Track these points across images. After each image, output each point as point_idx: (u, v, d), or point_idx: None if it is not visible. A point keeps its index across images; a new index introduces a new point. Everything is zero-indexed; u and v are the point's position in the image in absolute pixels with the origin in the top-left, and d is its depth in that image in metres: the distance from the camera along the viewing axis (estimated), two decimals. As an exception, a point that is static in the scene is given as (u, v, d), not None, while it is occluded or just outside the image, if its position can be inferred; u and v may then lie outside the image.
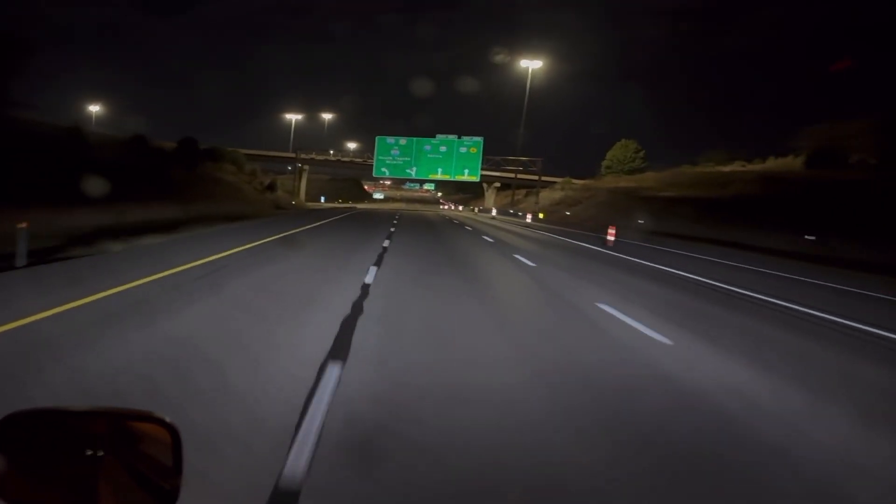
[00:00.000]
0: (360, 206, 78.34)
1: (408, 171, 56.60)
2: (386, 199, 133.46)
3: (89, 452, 0.89)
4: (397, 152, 56.20)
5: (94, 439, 0.89)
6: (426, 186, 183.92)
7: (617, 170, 66.89)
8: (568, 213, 41.63)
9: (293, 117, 74.51)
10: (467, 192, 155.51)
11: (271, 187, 52.58)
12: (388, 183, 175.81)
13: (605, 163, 69.44)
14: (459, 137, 55.05)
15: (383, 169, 57.17)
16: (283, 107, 72.93)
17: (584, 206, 50.84)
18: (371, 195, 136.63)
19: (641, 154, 67.57)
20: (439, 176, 57.17)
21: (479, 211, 66.29)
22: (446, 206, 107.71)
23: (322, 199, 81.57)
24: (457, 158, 55.23)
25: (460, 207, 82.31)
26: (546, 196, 62.21)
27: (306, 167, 76.60)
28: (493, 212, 51.57)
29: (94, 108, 67.75)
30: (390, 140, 56.31)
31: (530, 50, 56.63)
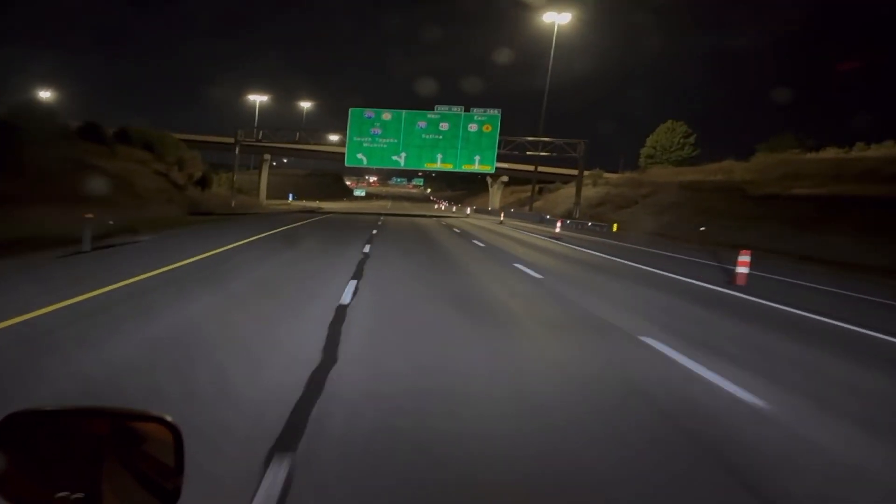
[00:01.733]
0: (327, 205, 63.50)
1: (394, 157, 38.34)
2: (367, 197, 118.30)
3: (91, 453, 0.88)
4: (379, 131, 38.08)
5: (96, 439, 0.89)
6: (415, 181, 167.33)
7: (661, 158, 52.77)
8: (703, 229, 24.34)
9: (257, 98, 59.40)
10: (457, 188, 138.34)
11: (202, 182, 37.99)
12: (373, 179, 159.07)
13: (644, 151, 55.22)
14: (468, 110, 37.45)
15: (359, 156, 38.52)
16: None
17: (644, 209, 36.19)
18: (352, 192, 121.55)
19: (692, 139, 53.49)
20: (439, 165, 38.58)
21: (505, 216, 44.54)
22: (442, 206, 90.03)
23: (290, 196, 70.46)
24: (464, 140, 37.43)
25: (467, 210, 62.54)
26: (570, 194, 47.43)
27: (267, 156, 62.84)
28: (558, 226, 28.80)
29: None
30: (369, 114, 38.18)
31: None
